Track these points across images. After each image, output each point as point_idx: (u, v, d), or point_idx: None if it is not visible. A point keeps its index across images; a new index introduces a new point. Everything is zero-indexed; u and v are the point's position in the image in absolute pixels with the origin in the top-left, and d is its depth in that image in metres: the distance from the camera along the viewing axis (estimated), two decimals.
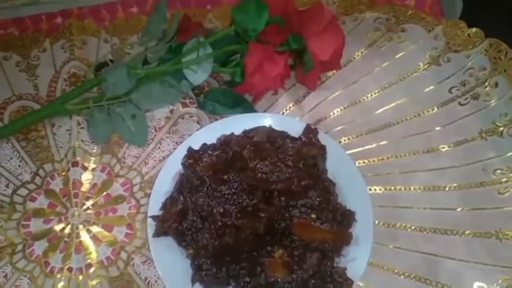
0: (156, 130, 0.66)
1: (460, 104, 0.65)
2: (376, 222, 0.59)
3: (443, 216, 0.60)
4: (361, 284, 0.56)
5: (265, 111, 0.67)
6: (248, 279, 0.54)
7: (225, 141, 0.61)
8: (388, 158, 0.63)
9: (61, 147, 0.66)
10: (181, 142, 0.63)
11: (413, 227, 0.59)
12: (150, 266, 0.59)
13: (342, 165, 0.60)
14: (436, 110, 0.66)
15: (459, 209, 0.60)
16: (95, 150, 0.65)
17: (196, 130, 0.65)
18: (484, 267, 0.57)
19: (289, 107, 0.67)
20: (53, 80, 0.70)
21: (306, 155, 0.59)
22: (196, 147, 0.60)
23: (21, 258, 0.60)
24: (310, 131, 0.61)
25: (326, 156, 0.60)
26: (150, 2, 0.75)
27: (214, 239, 0.54)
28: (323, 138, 0.61)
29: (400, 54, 0.69)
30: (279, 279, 0.54)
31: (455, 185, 0.61)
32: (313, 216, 0.56)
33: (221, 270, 0.54)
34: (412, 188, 0.62)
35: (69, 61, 0.71)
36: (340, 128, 0.65)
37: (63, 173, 0.64)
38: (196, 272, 0.55)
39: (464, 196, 0.61)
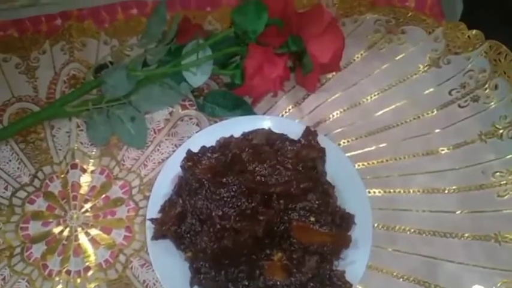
0: (155, 132, 0.66)
1: (459, 106, 0.65)
2: (375, 225, 0.59)
3: (443, 219, 0.60)
4: (360, 287, 0.56)
5: (264, 113, 0.67)
6: (247, 283, 0.54)
7: (224, 144, 0.61)
8: (387, 161, 0.63)
9: (60, 149, 0.66)
10: (180, 144, 0.63)
11: (412, 230, 0.59)
12: (149, 269, 0.59)
13: (341, 168, 0.60)
14: (435, 112, 0.65)
15: (458, 212, 0.60)
16: (94, 153, 0.65)
17: (196, 132, 0.64)
18: (483, 270, 0.57)
19: (289, 109, 0.67)
20: (52, 82, 0.70)
21: (305, 157, 0.59)
22: (195, 149, 0.60)
23: (19, 261, 0.60)
24: (309, 134, 0.61)
25: (325, 159, 0.60)
26: (150, 4, 0.75)
27: (213, 242, 0.54)
28: (322, 140, 0.61)
29: (400, 56, 0.69)
30: (278, 283, 0.53)
31: (454, 187, 0.61)
32: (312, 219, 0.55)
33: (220, 274, 0.54)
34: (411, 191, 0.61)
35: (69, 63, 0.70)
36: (339, 130, 0.65)
37: (62, 176, 0.64)
38: (194, 275, 0.55)
39: (464, 199, 0.60)
